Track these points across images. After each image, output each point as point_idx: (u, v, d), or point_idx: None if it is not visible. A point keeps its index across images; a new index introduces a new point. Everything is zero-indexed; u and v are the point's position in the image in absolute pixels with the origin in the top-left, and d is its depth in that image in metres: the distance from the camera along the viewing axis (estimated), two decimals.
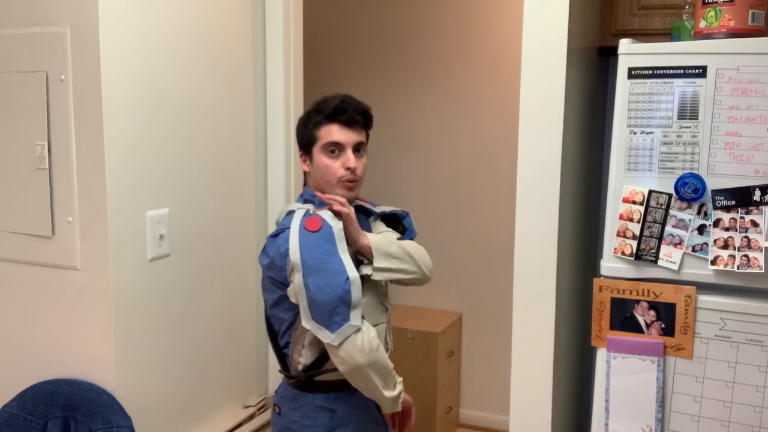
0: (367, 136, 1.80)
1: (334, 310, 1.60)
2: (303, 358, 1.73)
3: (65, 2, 1.67)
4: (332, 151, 1.71)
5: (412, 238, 1.89)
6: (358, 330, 1.62)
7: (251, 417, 2.26)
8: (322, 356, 1.72)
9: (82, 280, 1.76)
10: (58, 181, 1.74)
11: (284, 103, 2.27)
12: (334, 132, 1.71)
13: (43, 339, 1.83)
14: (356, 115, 1.71)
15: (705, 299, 1.68)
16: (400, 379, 1.75)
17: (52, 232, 1.76)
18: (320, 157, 1.72)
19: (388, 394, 1.69)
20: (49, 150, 1.73)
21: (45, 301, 1.81)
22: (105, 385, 1.77)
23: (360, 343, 1.61)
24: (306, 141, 1.76)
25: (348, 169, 1.70)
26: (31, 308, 1.83)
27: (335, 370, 1.69)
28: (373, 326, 1.70)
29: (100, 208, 1.71)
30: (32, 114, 1.73)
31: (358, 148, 1.74)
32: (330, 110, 1.71)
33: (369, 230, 1.83)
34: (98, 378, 1.77)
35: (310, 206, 1.73)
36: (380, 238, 1.74)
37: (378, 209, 1.89)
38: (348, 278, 1.61)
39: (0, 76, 1.77)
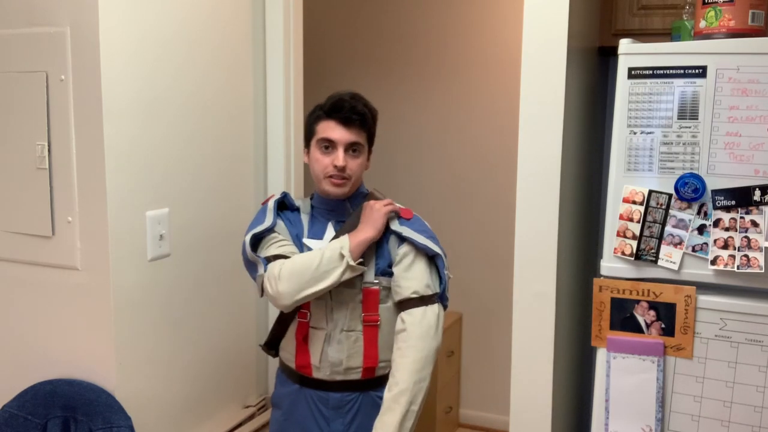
0: (369, 136, 1.77)
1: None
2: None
3: (65, 2, 1.67)
4: (326, 147, 1.72)
5: (443, 294, 1.74)
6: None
7: (251, 417, 2.26)
8: (275, 330, 1.84)
9: (82, 280, 1.76)
10: (58, 181, 1.74)
11: (284, 103, 2.27)
12: (328, 128, 1.71)
13: (43, 339, 1.83)
14: (352, 115, 1.70)
15: (705, 299, 1.68)
16: (341, 246, 1.65)
17: (52, 232, 1.76)
18: (314, 151, 1.75)
19: (329, 277, 1.64)
20: (49, 150, 1.73)
21: (45, 301, 1.81)
22: (105, 385, 1.77)
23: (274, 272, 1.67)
24: (307, 134, 1.79)
25: (335, 167, 1.71)
26: (31, 308, 1.83)
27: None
28: (317, 329, 1.75)
29: (100, 208, 1.71)
30: (32, 114, 1.73)
31: (354, 148, 1.73)
32: (327, 107, 1.72)
33: (387, 253, 1.75)
34: (98, 378, 1.77)
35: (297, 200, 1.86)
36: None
37: (407, 233, 1.72)
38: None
39: (0, 76, 1.77)
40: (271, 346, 1.86)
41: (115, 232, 1.73)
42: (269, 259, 1.69)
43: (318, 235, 1.78)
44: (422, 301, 1.69)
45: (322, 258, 1.64)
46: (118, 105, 1.72)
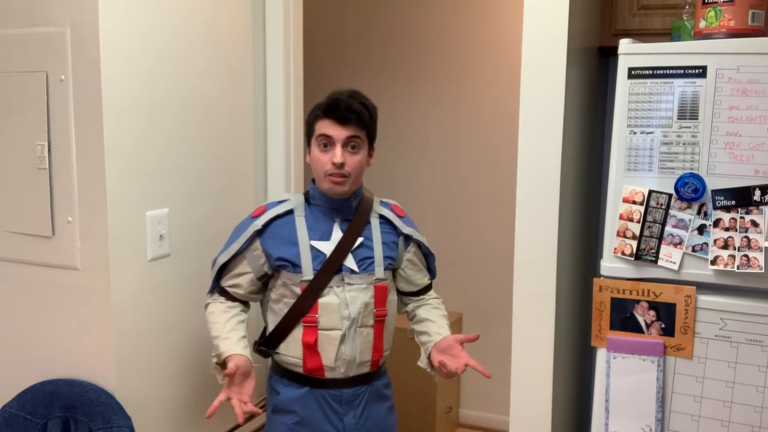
0: (369, 132, 1.76)
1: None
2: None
3: (65, 2, 1.67)
4: (324, 145, 1.73)
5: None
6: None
7: (251, 417, 2.25)
8: (272, 336, 1.83)
9: (82, 280, 1.76)
10: (58, 181, 1.74)
11: (284, 103, 2.27)
12: (325, 126, 1.72)
13: (43, 339, 1.83)
14: (348, 114, 1.70)
15: (705, 299, 1.68)
16: (216, 354, 1.80)
17: (52, 232, 1.76)
18: (314, 149, 1.75)
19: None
20: (49, 150, 1.73)
21: (45, 301, 1.81)
22: (105, 385, 1.77)
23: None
24: (306, 132, 1.80)
25: (334, 164, 1.71)
26: (31, 308, 1.83)
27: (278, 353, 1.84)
28: (330, 330, 1.75)
29: (100, 208, 1.71)
30: (32, 114, 1.73)
31: (352, 144, 1.72)
32: (324, 106, 1.73)
33: (393, 249, 1.85)
34: (98, 378, 1.77)
35: (289, 195, 1.85)
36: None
37: (416, 236, 1.89)
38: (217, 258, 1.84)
39: (0, 76, 1.77)
40: (269, 345, 1.85)
41: (115, 232, 1.73)
42: (220, 288, 1.85)
43: (324, 236, 1.78)
44: (430, 286, 2.00)
45: (215, 340, 1.80)
46: (118, 105, 1.72)
